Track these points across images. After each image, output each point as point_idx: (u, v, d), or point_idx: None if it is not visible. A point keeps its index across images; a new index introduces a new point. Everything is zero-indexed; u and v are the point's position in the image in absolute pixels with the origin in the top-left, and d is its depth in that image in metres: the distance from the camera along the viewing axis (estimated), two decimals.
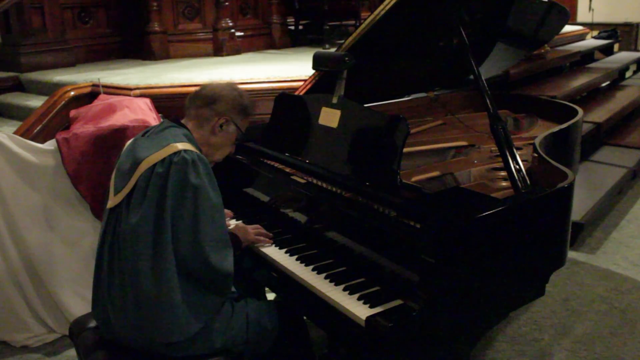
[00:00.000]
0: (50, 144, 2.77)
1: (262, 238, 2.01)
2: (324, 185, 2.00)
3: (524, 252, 1.74)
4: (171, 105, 3.36)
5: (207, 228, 1.65)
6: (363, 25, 2.24)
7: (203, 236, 1.64)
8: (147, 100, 3.17)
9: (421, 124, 2.83)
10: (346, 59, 2.08)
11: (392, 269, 1.67)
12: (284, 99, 2.32)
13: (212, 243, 1.65)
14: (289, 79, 3.50)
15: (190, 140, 1.77)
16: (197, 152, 1.72)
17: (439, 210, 1.68)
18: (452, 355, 1.70)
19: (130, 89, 3.36)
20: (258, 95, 3.33)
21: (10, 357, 2.72)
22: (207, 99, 1.86)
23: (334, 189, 1.96)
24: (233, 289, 1.84)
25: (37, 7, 4.25)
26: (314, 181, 2.04)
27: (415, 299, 1.52)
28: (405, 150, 1.88)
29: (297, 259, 1.89)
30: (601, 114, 5.16)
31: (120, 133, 2.76)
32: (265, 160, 2.30)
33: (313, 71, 2.37)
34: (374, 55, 2.38)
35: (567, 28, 6.57)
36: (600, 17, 9.66)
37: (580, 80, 5.39)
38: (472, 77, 2.11)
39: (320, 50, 2.50)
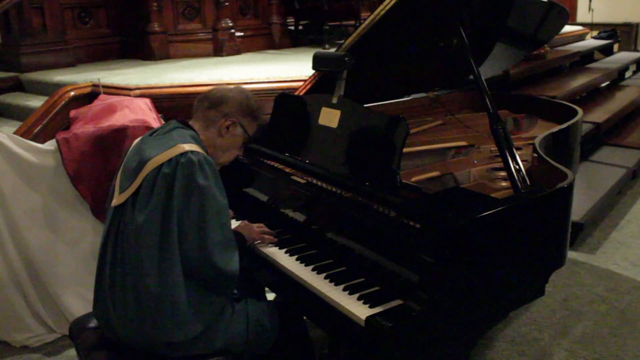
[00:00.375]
0: (50, 144, 2.77)
1: (266, 237, 2.02)
2: (324, 185, 2.00)
3: (523, 252, 1.75)
4: (171, 105, 3.36)
5: (213, 229, 1.65)
6: (363, 26, 2.24)
7: (209, 237, 1.64)
8: (147, 101, 3.17)
9: (421, 124, 2.83)
10: (346, 59, 2.09)
11: (392, 269, 1.67)
12: (284, 99, 2.32)
13: (218, 244, 1.66)
14: (288, 79, 3.50)
15: (197, 141, 1.77)
16: (204, 153, 1.72)
17: (439, 210, 1.68)
18: (452, 355, 1.70)
19: (130, 89, 3.36)
20: (258, 95, 3.32)
21: (10, 357, 2.72)
22: (214, 100, 1.86)
23: (334, 189, 1.96)
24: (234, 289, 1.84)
25: (37, 8, 4.25)
26: (314, 181, 2.04)
27: (415, 299, 1.52)
28: (405, 150, 1.88)
29: (297, 259, 1.89)
30: (601, 114, 5.16)
31: (120, 133, 2.76)
32: (265, 160, 2.30)
33: (313, 71, 2.37)
34: (373, 56, 2.38)
35: (567, 28, 6.57)
36: (599, 17, 9.67)
37: (580, 81, 5.40)
38: (472, 77, 2.11)
39: (320, 50, 2.50)
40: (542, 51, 5.19)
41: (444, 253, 1.52)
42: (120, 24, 4.93)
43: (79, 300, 2.81)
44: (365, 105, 2.18)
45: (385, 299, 1.61)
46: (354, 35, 2.26)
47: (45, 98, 3.43)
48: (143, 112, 2.97)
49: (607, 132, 5.22)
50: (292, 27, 5.79)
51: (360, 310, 1.57)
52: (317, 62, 2.22)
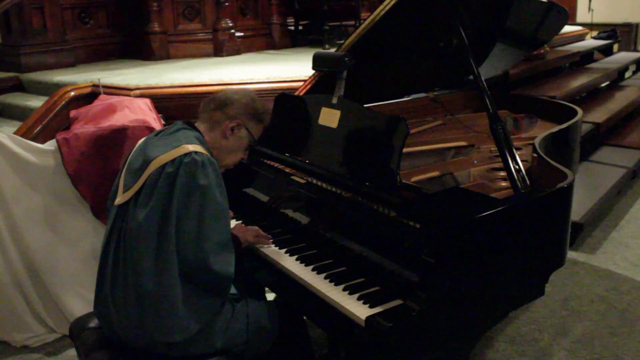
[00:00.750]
0: (51, 144, 2.77)
1: (261, 240, 2.02)
2: (324, 185, 2.01)
3: (523, 252, 1.75)
4: (171, 105, 3.37)
5: (211, 230, 1.65)
6: (363, 26, 2.24)
7: (206, 238, 1.65)
8: (147, 101, 3.18)
9: (421, 124, 2.83)
10: (346, 59, 2.09)
11: (392, 269, 1.67)
12: (284, 100, 2.32)
13: (214, 245, 1.66)
14: (288, 79, 3.50)
15: (202, 143, 1.78)
16: (208, 154, 1.73)
17: (439, 210, 1.68)
18: (452, 355, 1.70)
19: (131, 89, 3.37)
20: (258, 95, 3.31)
21: (11, 356, 2.72)
22: (220, 102, 1.87)
23: (333, 189, 1.96)
24: (234, 290, 1.84)
25: (37, 8, 4.25)
26: (314, 181, 2.05)
27: (415, 299, 1.53)
28: (405, 150, 1.88)
29: (297, 259, 1.89)
30: (600, 114, 5.16)
31: (120, 133, 2.76)
32: (265, 160, 2.30)
33: (313, 71, 2.37)
34: (373, 56, 2.38)
35: (567, 28, 6.58)
36: (599, 18, 9.67)
37: (579, 81, 5.40)
38: (471, 77, 2.11)
39: (320, 50, 2.50)
40: (542, 51, 5.19)
41: (444, 253, 1.52)
42: (120, 24, 4.93)
43: (79, 300, 2.81)
44: (365, 106, 2.18)
45: (385, 299, 1.61)
46: (354, 35, 2.26)
47: (46, 98, 3.43)
48: (143, 112, 2.97)
49: (606, 132, 5.22)
50: (292, 27, 5.79)
51: (360, 310, 1.57)
52: (317, 62, 2.22)
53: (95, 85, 3.45)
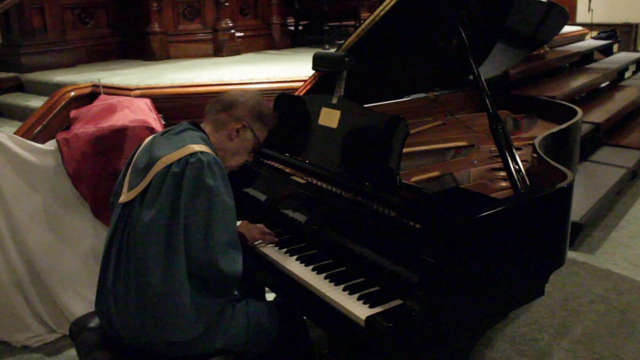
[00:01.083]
0: (51, 144, 2.78)
1: (266, 237, 2.02)
2: (324, 185, 2.01)
3: (523, 252, 1.75)
4: (171, 105, 3.37)
5: (218, 230, 1.66)
6: (363, 26, 2.24)
7: (214, 238, 1.65)
8: (147, 101, 3.18)
9: (421, 125, 2.84)
10: (346, 59, 2.09)
11: (392, 269, 1.68)
12: (284, 100, 2.33)
13: (222, 245, 1.66)
14: (288, 80, 3.50)
15: (207, 143, 1.78)
16: (214, 154, 1.73)
17: (439, 210, 1.69)
18: (452, 355, 1.70)
19: (131, 90, 3.37)
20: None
21: (11, 356, 2.72)
22: (226, 103, 1.87)
23: (334, 189, 1.96)
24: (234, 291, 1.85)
25: (37, 8, 4.25)
26: (314, 181, 2.05)
27: (415, 299, 1.53)
28: (405, 150, 1.88)
29: (297, 259, 1.90)
30: (600, 114, 5.16)
31: (120, 133, 2.76)
32: (265, 161, 2.30)
33: (313, 72, 2.38)
34: (373, 56, 2.38)
35: (567, 28, 6.58)
36: (599, 18, 9.67)
37: (579, 81, 5.40)
38: (471, 77, 2.11)
39: (320, 50, 2.50)
40: (542, 51, 5.20)
41: (444, 253, 1.53)
42: (120, 24, 4.93)
43: (79, 300, 2.82)
44: (365, 106, 2.18)
45: (385, 299, 1.61)
46: (354, 35, 2.26)
47: (46, 98, 3.43)
48: (143, 113, 2.98)
49: (606, 132, 5.23)
50: (292, 28, 5.79)
51: (360, 310, 1.58)
52: (317, 62, 2.22)
53: (95, 86, 3.46)
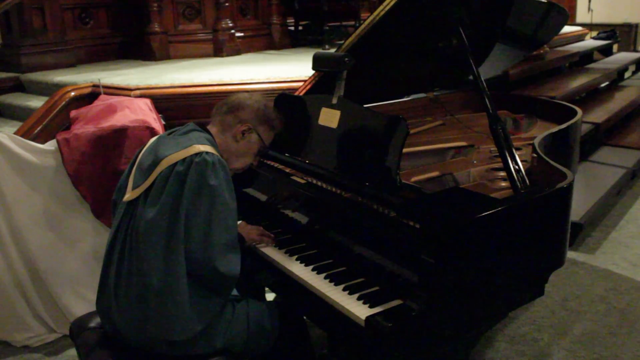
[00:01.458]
0: (51, 145, 2.78)
1: (265, 238, 2.03)
2: (324, 185, 2.01)
3: (523, 252, 1.75)
4: (171, 105, 3.37)
5: (218, 230, 1.66)
6: (363, 26, 2.24)
7: (214, 238, 1.65)
8: (148, 101, 3.18)
9: (421, 125, 2.84)
10: (346, 59, 2.09)
11: (392, 269, 1.68)
12: (284, 100, 2.33)
13: (221, 246, 1.66)
14: (288, 80, 3.50)
15: (213, 144, 1.79)
16: (218, 155, 1.74)
17: (439, 210, 1.69)
18: (452, 355, 1.71)
19: (131, 90, 3.37)
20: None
21: (11, 356, 2.72)
22: (232, 106, 1.88)
23: (333, 189, 1.96)
24: (234, 290, 1.85)
25: (37, 8, 4.25)
26: (314, 181, 2.05)
27: (415, 299, 1.53)
28: (404, 150, 1.89)
29: (297, 259, 1.90)
30: (600, 114, 5.17)
31: (120, 133, 2.76)
32: (265, 161, 2.30)
33: (313, 72, 2.38)
34: (373, 56, 2.38)
35: (566, 29, 6.58)
36: (599, 18, 9.68)
37: (579, 81, 5.40)
38: (471, 77, 2.11)
39: (320, 50, 2.51)
40: (542, 52, 5.20)
41: (444, 253, 1.53)
42: (120, 24, 4.93)
43: (79, 300, 2.82)
44: (365, 106, 2.19)
45: (385, 299, 1.61)
46: (354, 35, 2.26)
47: (46, 98, 3.43)
48: (143, 113, 2.98)
49: (606, 133, 5.23)
50: (292, 28, 5.79)
51: (360, 310, 1.58)
52: (317, 62, 2.22)
53: (95, 86, 3.46)
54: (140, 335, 1.70)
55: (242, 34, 5.08)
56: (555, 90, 4.78)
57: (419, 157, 2.43)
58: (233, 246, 1.70)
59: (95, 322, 1.89)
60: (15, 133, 3.00)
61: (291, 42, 5.62)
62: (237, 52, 4.96)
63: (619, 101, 5.74)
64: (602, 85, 6.18)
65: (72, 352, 2.70)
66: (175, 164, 1.68)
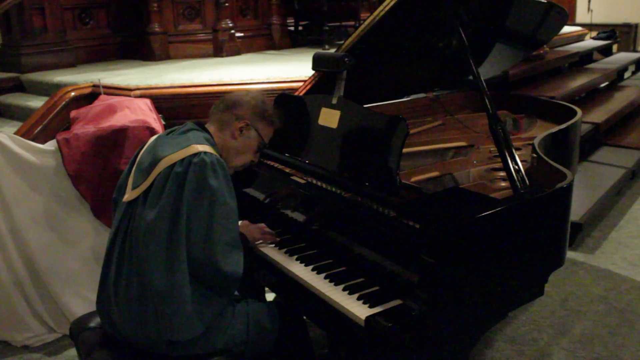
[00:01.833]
0: (51, 145, 2.78)
1: (267, 236, 2.03)
2: (324, 185, 2.01)
3: (523, 252, 1.75)
4: (171, 106, 3.37)
5: (220, 231, 1.66)
6: (363, 26, 2.25)
7: (215, 239, 1.65)
8: (148, 101, 3.18)
9: (420, 125, 2.84)
10: (346, 59, 2.09)
11: (392, 269, 1.68)
12: (284, 100, 2.33)
13: (223, 246, 1.67)
14: (288, 80, 3.51)
15: (211, 144, 1.79)
16: (217, 155, 1.74)
17: (439, 210, 1.69)
18: (452, 354, 1.71)
19: (131, 90, 3.37)
20: None
21: (11, 356, 2.73)
22: (229, 103, 1.88)
23: (333, 189, 1.97)
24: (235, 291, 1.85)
25: (37, 8, 4.25)
26: (314, 181, 2.05)
27: (415, 298, 1.53)
28: (404, 150, 1.89)
29: (297, 259, 1.90)
30: (600, 114, 5.17)
31: (120, 133, 2.76)
32: (265, 161, 2.30)
33: (313, 72, 2.38)
34: (373, 56, 2.38)
35: (566, 29, 6.59)
36: (599, 18, 9.67)
37: (579, 81, 5.41)
38: (471, 77, 2.12)
39: (320, 51, 2.51)
40: (542, 52, 5.20)
41: (444, 253, 1.53)
42: (120, 24, 4.93)
43: (79, 300, 2.82)
44: (365, 106, 2.19)
45: (385, 299, 1.61)
46: (354, 35, 2.26)
47: (46, 98, 3.43)
48: (143, 113, 2.98)
49: (606, 133, 5.23)
50: (292, 28, 5.79)
51: (360, 310, 1.58)
52: (316, 62, 2.22)
53: (95, 86, 3.46)
54: (140, 335, 1.70)
55: (242, 34, 5.08)
56: (555, 90, 4.78)
57: (419, 157, 2.43)
58: (235, 245, 1.71)
59: (95, 322, 1.89)
60: (15, 133, 3.00)
61: (291, 42, 5.63)
62: (237, 52, 4.96)
63: (619, 101, 5.74)
64: (602, 85, 6.18)
65: (72, 352, 2.70)
66: (174, 164, 1.68)
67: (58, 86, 3.63)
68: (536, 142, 2.16)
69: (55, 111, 3.23)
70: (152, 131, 2.77)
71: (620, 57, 7.42)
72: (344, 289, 1.69)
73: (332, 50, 2.41)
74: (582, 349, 2.64)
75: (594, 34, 8.17)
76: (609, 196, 4.17)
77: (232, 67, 4.24)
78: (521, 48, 3.07)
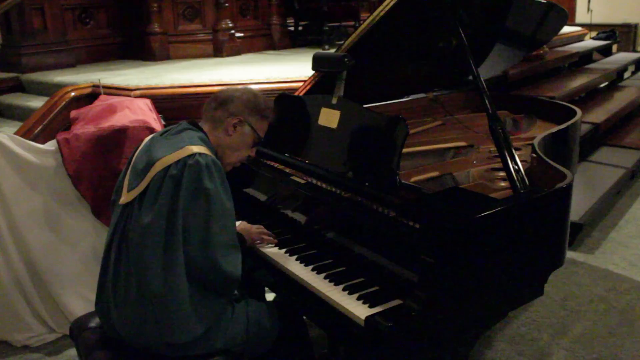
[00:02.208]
0: (51, 145, 2.78)
1: (265, 237, 2.03)
2: (324, 185, 2.01)
3: (522, 252, 1.75)
4: (171, 106, 3.37)
5: (217, 232, 1.66)
6: (362, 26, 2.25)
7: (213, 240, 1.65)
8: (148, 101, 3.18)
9: (420, 125, 2.84)
10: (346, 59, 2.09)
11: (392, 269, 1.68)
12: (284, 100, 2.33)
13: (222, 247, 1.66)
14: (288, 80, 3.51)
15: (206, 143, 1.78)
16: (212, 156, 1.73)
17: (439, 210, 1.69)
18: (451, 354, 1.71)
19: (131, 90, 3.37)
20: None
21: (11, 356, 2.73)
22: (221, 100, 1.87)
23: (333, 189, 1.97)
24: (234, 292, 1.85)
25: (37, 8, 4.26)
26: (314, 181, 2.05)
27: (415, 298, 1.53)
28: (404, 150, 1.89)
29: (296, 259, 1.90)
30: (600, 114, 5.17)
31: (120, 133, 2.76)
32: (265, 161, 2.31)
33: (313, 72, 2.38)
34: (373, 56, 2.39)
35: (566, 29, 6.59)
36: (598, 18, 9.68)
37: (578, 81, 5.41)
38: (471, 77, 2.12)
39: (320, 51, 2.51)
40: (541, 52, 5.21)
41: (444, 253, 1.53)
42: (120, 24, 4.94)
43: (79, 300, 2.82)
44: (365, 106, 2.19)
45: (385, 299, 1.61)
46: (354, 36, 2.26)
47: (46, 98, 3.43)
48: (143, 113, 2.98)
49: (606, 133, 5.24)
50: (292, 28, 5.80)
51: (360, 310, 1.58)
52: (316, 62, 2.22)
53: (95, 86, 3.46)
54: (139, 336, 1.70)
55: (242, 34, 5.08)
56: (554, 91, 4.78)
57: (418, 157, 2.43)
58: (233, 246, 1.71)
59: (95, 322, 1.89)
60: (15, 133, 3.00)
61: (291, 42, 5.63)
62: (237, 52, 4.96)
63: (619, 101, 5.74)
64: (602, 85, 6.18)
65: (72, 352, 2.70)
66: (169, 166, 1.67)
67: (58, 86, 3.63)
68: (536, 142, 2.16)
69: (55, 111, 3.23)
70: (152, 131, 2.77)
71: (620, 57, 7.42)
72: (343, 289, 1.69)
73: (332, 51, 2.41)
74: (582, 349, 2.64)
75: (593, 34, 8.18)
76: (608, 196, 4.17)
77: (232, 67, 4.25)
78: (521, 48, 3.07)
